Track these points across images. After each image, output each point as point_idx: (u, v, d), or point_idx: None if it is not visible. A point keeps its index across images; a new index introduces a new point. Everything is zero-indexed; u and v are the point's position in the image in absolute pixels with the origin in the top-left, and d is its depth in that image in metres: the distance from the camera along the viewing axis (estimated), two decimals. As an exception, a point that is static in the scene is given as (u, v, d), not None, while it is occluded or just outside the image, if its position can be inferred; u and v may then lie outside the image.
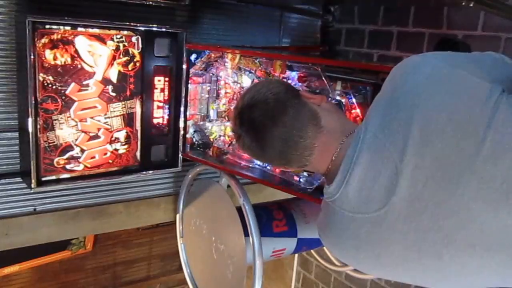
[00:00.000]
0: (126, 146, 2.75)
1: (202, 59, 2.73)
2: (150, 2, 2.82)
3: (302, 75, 2.29)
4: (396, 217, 1.12)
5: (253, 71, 2.51)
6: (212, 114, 2.83)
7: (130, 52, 2.61)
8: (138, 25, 2.60)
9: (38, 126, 2.40)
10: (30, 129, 2.35)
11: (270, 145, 1.26)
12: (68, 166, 2.57)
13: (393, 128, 1.12)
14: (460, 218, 1.07)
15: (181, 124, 2.80)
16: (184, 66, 2.71)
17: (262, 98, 1.28)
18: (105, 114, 2.62)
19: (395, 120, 1.12)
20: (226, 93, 2.73)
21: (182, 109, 2.78)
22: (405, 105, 1.12)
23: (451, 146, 1.06)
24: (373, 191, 1.14)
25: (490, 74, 1.14)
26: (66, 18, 2.39)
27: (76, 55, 2.44)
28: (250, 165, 2.57)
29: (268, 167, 2.49)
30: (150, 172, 2.90)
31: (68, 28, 2.39)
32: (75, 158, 2.59)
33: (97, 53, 2.51)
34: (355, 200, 1.17)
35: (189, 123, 2.81)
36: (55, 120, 2.46)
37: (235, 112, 1.33)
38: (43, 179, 2.51)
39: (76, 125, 2.53)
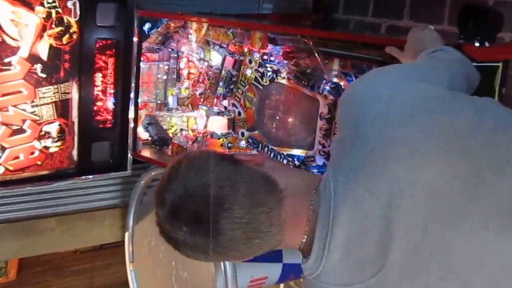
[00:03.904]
0: (59, 143, 2.75)
1: (159, 30, 2.74)
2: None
3: (288, 50, 2.31)
4: (398, 277, 1.12)
5: (225, 46, 2.53)
6: (172, 101, 2.85)
7: (65, 21, 2.61)
8: (76, -15, 2.61)
9: None
10: None
11: (229, 236, 1.14)
12: (-17, 169, 2.57)
13: (368, 171, 1.13)
14: (474, 255, 1.09)
15: (131, 115, 2.81)
16: (135, 39, 2.72)
17: (198, 182, 1.16)
18: (32, 102, 2.62)
19: (369, 162, 1.13)
20: (189, 73, 2.75)
21: (132, 95, 2.78)
22: (375, 140, 1.15)
23: (444, 176, 1.09)
24: (363, 253, 1.13)
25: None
26: (-19, -25, 2.39)
27: (-6, 25, 2.44)
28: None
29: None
30: (91, 177, 2.91)
31: (-17, -11, 2.39)
32: (-7, 159, 2.59)
33: (22, 22, 2.50)
34: (344, 269, 1.15)
35: (141, 113, 2.83)
36: (-34, 109, 2.46)
37: (161, 216, 1.19)
38: (-51, 186, 2.51)
39: (-6, 115, 2.53)
